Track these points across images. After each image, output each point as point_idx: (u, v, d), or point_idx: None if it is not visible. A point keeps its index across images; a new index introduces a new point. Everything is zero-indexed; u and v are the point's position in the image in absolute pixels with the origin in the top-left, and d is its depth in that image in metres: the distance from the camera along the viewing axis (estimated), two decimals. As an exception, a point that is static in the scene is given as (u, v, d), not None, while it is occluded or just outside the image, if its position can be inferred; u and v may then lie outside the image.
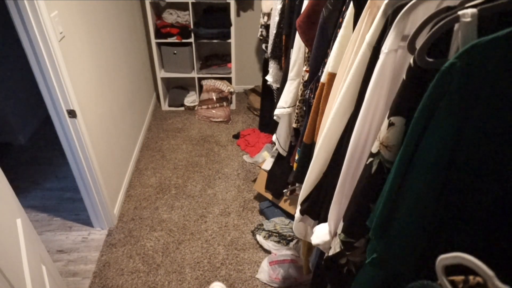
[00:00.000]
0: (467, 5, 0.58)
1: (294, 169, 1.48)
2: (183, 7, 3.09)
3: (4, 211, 1.10)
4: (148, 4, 2.91)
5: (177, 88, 3.59)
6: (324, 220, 1.11)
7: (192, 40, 3.11)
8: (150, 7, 2.93)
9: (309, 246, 1.69)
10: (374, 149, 0.75)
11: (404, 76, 0.67)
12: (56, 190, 2.60)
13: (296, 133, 1.61)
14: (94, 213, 2.20)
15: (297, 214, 1.29)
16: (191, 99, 3.53)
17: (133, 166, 2.78)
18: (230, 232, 2.27)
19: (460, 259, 0.43)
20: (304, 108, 1.44)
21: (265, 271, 1.99)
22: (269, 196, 2.33)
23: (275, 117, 1.76)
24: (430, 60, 0.62)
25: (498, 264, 0.46)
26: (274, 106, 1.75)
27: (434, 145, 0.61)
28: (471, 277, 0.45)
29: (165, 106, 3.54)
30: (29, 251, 1.20)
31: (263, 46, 2.53)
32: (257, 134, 3.10)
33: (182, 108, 3.54)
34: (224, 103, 3.39)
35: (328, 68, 1.05)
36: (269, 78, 2.09)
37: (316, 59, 1.21)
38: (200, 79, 3.41)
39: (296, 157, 1.46)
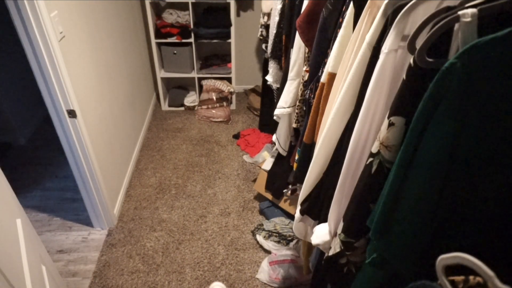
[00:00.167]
0: (467, 5, 0.58)
1: (294, 169, 1.48)
2: (183, 7, 3.09)
3: (4, 211, 1.10)
4: (148, 4, 2.91)
5: (177, 88, 3.59)
6: (324, 220, 1.11)
7: (192, 40, 3.11)
8: (150, 7, 2.94)
9: (309, 246, 1.69)
10: (374, 149, 0.75)
11: (404, 76, 0.67)
12: (56, 190, 2.60)
13: (296, 133, 1.61)
14: (94, 213, 2.20)
15: (297, 214, 1.29)
16: (191, 99, 3.53)
17: (133, 166, 2.78)
18: (230, 232, 2.27)
19: (460, 259, 0.43)
20: (304, 108, 1.44)
21: (265, 271, 1.99)
22: (269, 196, 2.33)
23: (275, 117, 1.76)
24: (430, 60, 0.62)
25: (498, 264, 0.46)
26: (274, 106, 1.75)
27: (434, 145, 0.61)
28: (471, 277, 0.45)
29: (165, 106, 3.54)
30: (29, 251, 1.20)
31: (263, 46, 2.53)
32: (257, 134, 3.10)
33: (182, 108, 3.54)
34: (224, 103, 3.39)
35: (328, 68, 1.05)
36: (269, 78, 2.09)
37: (316, 59, 1.21)
38: (200, 79, 3.41)
39: (296, 157, 1.46)
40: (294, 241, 2.13)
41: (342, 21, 1.00)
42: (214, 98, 3.38)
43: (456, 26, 0.60)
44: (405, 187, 0.67)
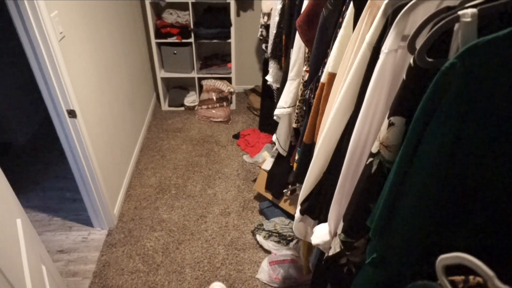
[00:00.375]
0: (467, 5, 0.58)
1: (294, 169, 1.48)
2: (183, 7, 3.09)
3: (4, 211, 1.10)
4: (148, 4, 2.91)
5: (177, 88, 3.59)
6: (324, 220, 1.11)
7: (192, 40, 3.11)
8: (150, 7, 2.94)
9: (309, 246, 1.69)
10: (374, 149, 0.75)
11: (404, 76, 0.67)
12: (56, 190, 2.60)
13: (296, 133, 1.61)
14: (94, 213, 2.20)
15: (297, 214, 1.29)
16: (191, 99, 3.53)
17: (133, 166, 2.78)
18: (230, 232, 2.27)
19: (460, 259, 0.43)
20: (304, 108, 1.44)
21: (265, 271, 1.99)
22: (269, 196, 2.33)
23: (275, 117, 1.76)
24: (430, 60, 0.62)
25: (498, 264, 0.46)
26: (274, 106, 1.75)
27: (434, 145, 0.61)
28: (471, 277, 0.45)
29: (165, 106, 3.54)
30: (29, 251, 1.20)
31: (263, 46, 2.53)
32: (257, 134, 3.10)
33: (182, 108, 3.54)
34: (224, 103, 3.39)
35: (328, 68, 1.05)
36: (269, 78, 2.09)
37: (316, 59, 1.21)
38: (200, 79, 3.41)
39: (296, 157, 1.46)
40: (294, 241, 2.13)
41: (342, 21, 1.00)
42: (214, 98, 3.38)
43: (456, 26, 0.60)
44: (405, 187, 0.67)
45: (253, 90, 3.57)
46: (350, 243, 0.91)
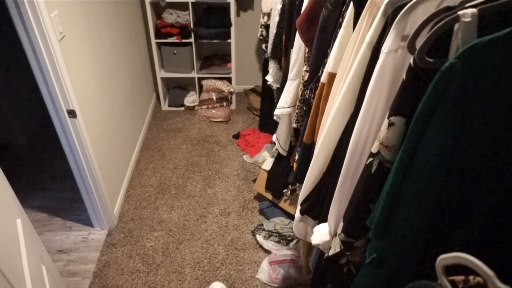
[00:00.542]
0: (467, 5, 0.58)
1: (294, 169, 1.48)
2: (183, 7, 3.09)
3: (4, 211, 1.10)
4: (148, 4, 2.91)
5: (177, 88, 3.59)
6: (324, 220, 1.11)
7: (192, 40, 3.11)
8: (150, 7, 2.94)
9: (309, 246, 1.69)
10: (374, 149, 0.75)
11: (404, 76, 0.67)
12: (56, 190, 2.60)
13: (296, 133, 1.61)
14: (94, 213, 2.20)
15: (297, 214, 1.29)
16: (191, 99, 3.53)
17: (133, 166, 2.78)
18: (230, 232, 2.27)
19: (460, 259, 0.43)
20: (304, 108, 1.44)
21: (265, 271, 1.99)
22: (269, 196, 2.33)
23: (275, 117, 1.76)
24: (430, 60, 0.62)
25: (498, 264, 0.46)
26: (274, 106, 1.75)
27: (434, 145, 0.61)
28: (471, 277, 0.45)
29: (165, 106, 3.54)
30: (29, 251, 1.20)
31: (263, 46, 2.53)
32: (257, 134, 3.10)
33: (182, 108, 3.54)
34: (224, 103, 3.39)
35: (328, 68, 1.05)
36: (269, 78, 2.09)
37: (316, 59, 1.21)
38: (200, 79, 3.41)
39: (296, 157, 1.46)
40: (294, 241, 2.13)
41: (342, 21, 1.00)
42: (214, 98, 3.38)
43: (456, 26, 0.60)
44: (405, 187, 0.67)
45: (253, 90, 3.57)
46: (350, 243, 0.91)
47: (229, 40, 3.13)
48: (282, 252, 2.07)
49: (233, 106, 3.55)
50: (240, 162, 2.87)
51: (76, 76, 1.80)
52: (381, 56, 0.75)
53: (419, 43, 0.62)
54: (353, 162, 0.89)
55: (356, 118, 0.85)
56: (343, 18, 1.00)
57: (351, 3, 0.95)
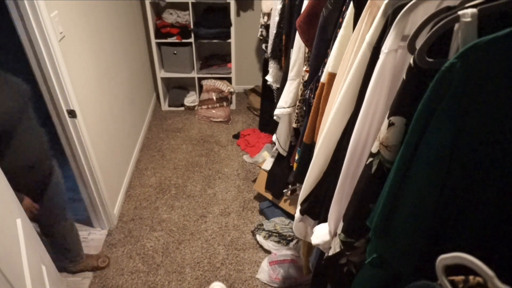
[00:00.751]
0: (467, 5, 0.58)
1: (294, 169, 1.48)
2: (183, 7, 3.09)
3: (4, 211, 1.10)
4: (148, 4, 2.91)
5: (177, 88, 3.59)
6: (324, 220, 1.11)
7: (192, 40, 3.11)
8: (150, 7, 2.93)
9: (309, 246, 1.69)
10: (374, 149, 0.75)
11: (404, 76, 0.67)
12: (56, 190, 2.60)
13: (296, 133, 1.61)
14: (94, 213, 2.20)
15: (297, 214, 1.29)
16: (191, 99, 3.53)
17: (133, 166, 2.78)
18: (230, 232, 2.27)
19: (460, 259, 0.43)
20: (304, 108, 1.44)
21: (265, 271, 1.99)
22: (269, 196, 2.33)
23: (275, 117, 1.76)
24: (430, 60, 0.62)
25: (498, 264, 0.46)
26: (274, 106, 1.75)
27: (434, 145, 0.61)
28: (471, 277, 0.45)
29: (165, 106, 3.54)
30: (29, 251, 1.20)
31: (263, 46, 2.53)
32: (257, 134, 3.10)
33: (182, 108, 3.54)
34: (224, 103, 3.39)
35: (328, 68, 1.05)
36: (269, 78, 2.09)
37: (316, 59, 1.21)
38: (200, 79, 3.41)
39: (296, 157, 1.46)
40: (294, 241, 2.13)
41: (342, 21, 1.00)
42: (214, 98, 3.38)
43: (456, 26, 0.60)
44: (405, 187, 0.67)
45: (253, 90, 3.57)
46: (350, 243, 0.91)
47: (229, 40, 3.13)
48: (282, 252, 2.07)
49: (233, 106, 3.55)
50: (240, 162, 2.87)
51: (76, 76, 1.80)
52: (381, 56, 0.75)
53: (419, 43, 0.62)
54: (353, 162, 0.89)
55: (356, 118, 0.85)
56: (343, 18, 1.00)
57: (351, 3, 0.95)
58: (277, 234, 2.15)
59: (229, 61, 3.34)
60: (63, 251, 1.91)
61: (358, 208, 0.84)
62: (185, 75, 3.34)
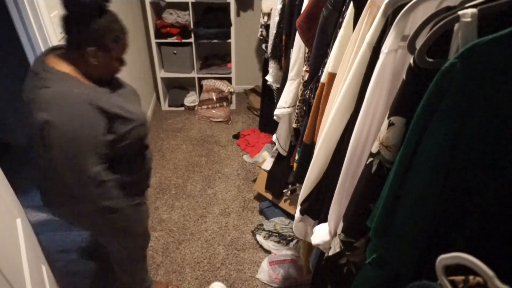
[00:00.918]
0: (467, 5, 0.58)
1: (294, 169, 1.48)
2: (183, 7, 3.09)
3: (4, 211, 1.10)
4: (148, 4, 2.91)
5: (177, 88, 3.59)
6: (324, 220, 1.11)
7: (192, 40, 3.11)
8: (150, 7, 2.93)
9: (309, 246, 1.69)
10: (374, 149, 0.75)
11: (404, 76, 0.67)
12: (56, 190, 2.60)
13: (296, 133, 1.61)
14: (94, 213, 2.20)
15: (297, 214, 1.29)
16: (191, 99, 3.53)
17: (133, 166, 2.78)
18: (230, 232, 2.27)
19: (460, 259, 0.43)
20: (304, 108, 1.44)
21: (265, 271, 1.99)
22: (269, 196, 2.33)
23: (275, 117, 1.76)
24: (430, 60, 0.62)
25: (498, 264, 0.46)
26: (274, 106, 1.75)
27: (434, 145, 0.61)
28: (471, 277, 0.45)
29: (165, 106, 3.54)
30: (29, 251, 1.20)
31: (263, 46, 2.53)
32: (257, 134, 3.10)
33: (182, 108, 3.54)
34: (224, 103, 3.39)
35: (328, 68, 1.05)
36: (269, 78, 2.09)
37: (316, 59, 1.21)
38: (200, 79, 3.41)
39: (296, 157, 1.46)
40: (294, 241, 2.13)
41: (342, 21, 1.00)
42: (214, 98, 3.38)
43: (456, 26, 0.60)
44: (405, 187, 0.67)
45: (253, 90, 3.57)
46: (350, 243, 0.91)
47: (229, 40, 3.13)
48: (282, 252, 2.07)
49: (233, 106, 3.55)
50: (240, 162, 2.87)
51: (76, 76, 1.80)
52: (381, 56, 0.75)
53: (419, 43, 0.62)
54: (353, 162, 0.89)
55: (356, 118, 0.85)
56: (343, 18, 1.00)
57: (351, 3, 0.95)
58: (277, 234, 2.15)
59: (229, 61, 3.34)
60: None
61: (358, 208, 0.84)
62: (185, 75, 3.34)
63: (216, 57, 3.46)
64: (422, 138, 0.62)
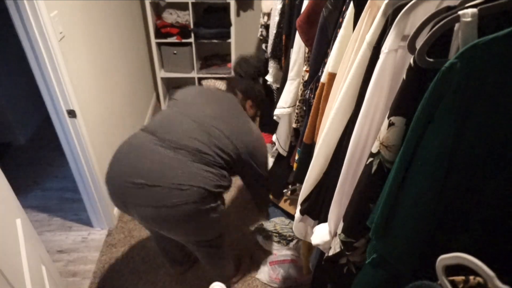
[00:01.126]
0: (467, 5, 0.58)
1: (294, 169, 1.49)
2: (183, 7, 3.09)
3: (4, 211, 1.10)
4: (148, 4, 2.91)
5: (177, 88, 3.58)
6: (324, 220, 1.11)
7: (192, 40, 3.10)
8: (150, 7, 2.93)
9: (309, 246, 1.69)
10: (374, 149, 0.75)
11: (404, 76, 0.67)
12: (56, 190, 2.60)
13: (296, 133, 1.61)
14: (94, 213, 2.20)
15: (297, 214, 1.29)
16: (191, 99, 3.53)
17: (133, 166, 2.78)
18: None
19: (460, 259, 0.43)
20: (304, 108, 1.44)
21: (265, 271, 1.99)
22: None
23: (275, 117, 1.76)
24: (430, 60, 0.62)
25: (498, 264, 0.46)
26: (274, 106, 1.75)
27: (434, 145, 0.61)
28: (471, 277, 0.45)
29: (165, 106, 3.54)
30: (29, 251, 1.20)
31: (263, 46, 2.53)
32: (257, 134, 3.10)
33: (182, 108, 3.54)
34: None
35: (328, 68, 1.05)
36: (269, 78, 2.09)
37: (316, 59, 1.21)
38: (200, 79, 3.41)
39: (296, 157, 1.46)
40: (294, 241, 2.13)
41: (342, 21, 1.00)
42: (214, 98, 3.37)
43: (456, 26, 0.60)
44: (405, 187, 0.67)
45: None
46: (350, 243, 0.91)
47: (229, 40, 3.12)
48: (282, 252, 2.07)
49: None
50: (240, 162, 2.86)
51: (76, 76, 1.80)
52: (381, 56, 0.75)
53: (419, 43, 0.62)
54: (353, 162, 0.89)
55: (356, 118, 0.85)
56: (343, 18, 1.00)
57: (351, 3, 0.95)
58: (277, 234, 2.15)
59: (229, 61, 3.34)
60: None
61: (358, 208, 0.84)
62: (185, 75, 3.34)
63: (216, 57, 3.45)
64: (422, 138, 0.62)
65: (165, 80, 3.55)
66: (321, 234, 1.10)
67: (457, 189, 0.64)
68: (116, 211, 2.34)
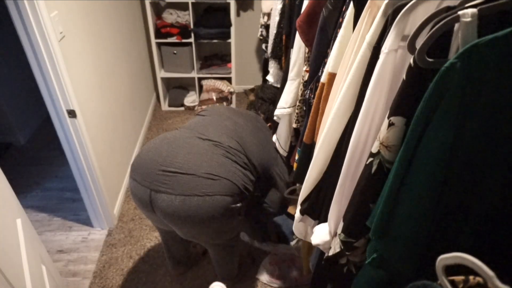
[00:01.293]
0: (467, 5, 0.58)
1: (294, 169, 1.48)
2: (183, 7, 3.09)
3: (4, 211, 1.10)
4: (148, 4, 2.91)
5: (177, 88, 3.59)
6: (324, 220, 1.11)
7: (192, 40, 3.11)
8: (150, 7, 2.93)
9: (309, 246, 1.69)
10: (374, 149, 0.75)
11: (404, 76, 0.67)
12: (56, 190, 2.60)
13: (296, 133, 1.61)
14: (94, 213, 2.20)
15: (297, 214, 1.29)
16: (191, 99, 3.53)
17: (133, 166, 2.78)
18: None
19: (460, 259, 0.43)
20: (304, 108, 1.44)
21: (265, 271, 1.99)
22: (269, 196, 2.32)
23: (275, 117, 1.76)
24: (430, 60, 0.62)
25: (498, 264, 0.46)
26: (274, 106, 1.75)
27: (434, 145, 0.61)
28: (471, 277, 0.45)
29: (165, 106, 3.54)
30: (29, 251, 1.20)
31: (263, 46, 2.53)
32: (257, 134, 3.10)
33: (182, 108, 3.54)
34: (224, 103, 3.39)
35: (328, 68, 1.05)
36: (269, 78, 2.09)
37: (316, 59, 1.21)
38: (200, 79, 3.41)
39: (296, 157, 1.46)
40: (294, 241, 2.13)
41: (342, 21, 1.00)
42: (214, 98, 3.38)
43: (456, 26, 0.60)
44: (405, 187, 0.67)
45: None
46: (350, 243, 0.91)
47: (229, 40, 3.13)
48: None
49: (233, 106, 3.55)
50: (240, 162, 2.86)
51: (76, 76, 1.81)
52: (381, 56, 0.75)
53: (419, 43, 0.62)
54: (353, 162, 0.89)
55: (356, 118, 0.85)
56: (343, 18, 1.00)
57: (351, 3, 0.95)
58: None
59: (229, 61, 3.34)
60: None
61: (358, 208, 0.84)
62: (185, 75, 3.34)
63: (216, 57, 3.46)
64: (422, 138, 0.62)
65: (165, 80, 3.55)
66: (321, 234, 1.10)
67: (457, 189, 0.64)
68: (116, 211, 2.34)
